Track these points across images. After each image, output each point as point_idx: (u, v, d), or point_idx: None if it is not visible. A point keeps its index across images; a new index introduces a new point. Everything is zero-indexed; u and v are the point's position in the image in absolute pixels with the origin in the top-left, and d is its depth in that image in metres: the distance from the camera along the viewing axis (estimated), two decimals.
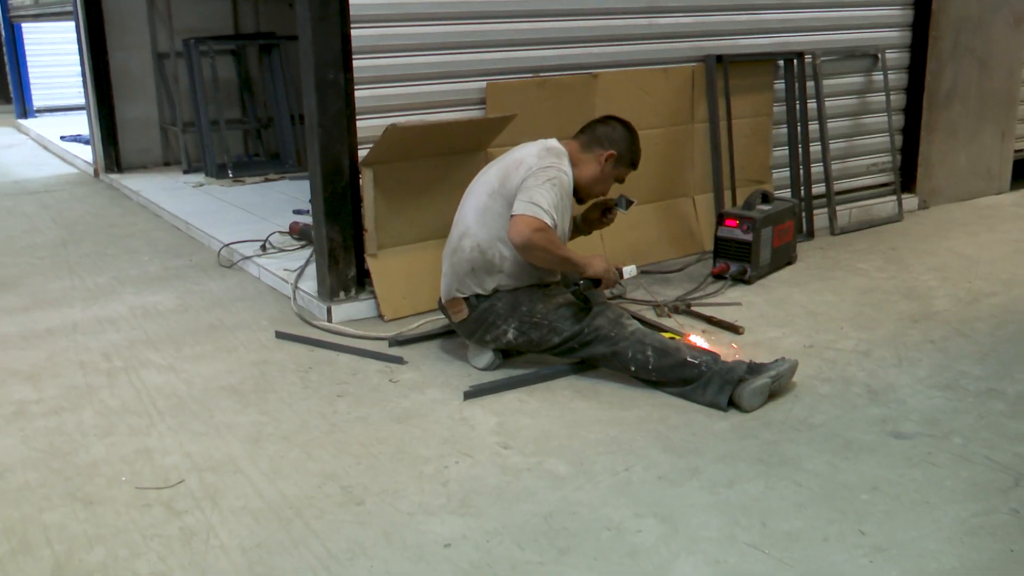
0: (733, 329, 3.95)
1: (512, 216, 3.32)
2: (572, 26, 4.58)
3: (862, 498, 2.62)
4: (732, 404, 3.20)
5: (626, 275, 3.52)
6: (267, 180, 7.16)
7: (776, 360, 3.34)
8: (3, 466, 2.87)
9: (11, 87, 11.90)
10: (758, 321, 4.09)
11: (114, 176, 7.52)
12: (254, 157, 8.07)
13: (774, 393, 3.26)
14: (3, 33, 11.84)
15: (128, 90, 7.72)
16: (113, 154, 7.69)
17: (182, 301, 4.51)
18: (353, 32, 3.96)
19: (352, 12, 3.94)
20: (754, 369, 3.27)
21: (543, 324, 3.45)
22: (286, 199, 6.43)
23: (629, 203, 3.74)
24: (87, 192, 7.28)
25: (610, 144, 3.56)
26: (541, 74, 4.52)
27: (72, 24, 7.80)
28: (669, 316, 4.12)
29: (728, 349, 3.71)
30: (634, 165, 3.68)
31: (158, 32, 7.67)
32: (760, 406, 3.20)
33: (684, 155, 5.05)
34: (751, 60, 5.17)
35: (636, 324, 3.45)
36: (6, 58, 12.02)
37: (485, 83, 4.35)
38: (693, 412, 3.20)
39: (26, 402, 3.37)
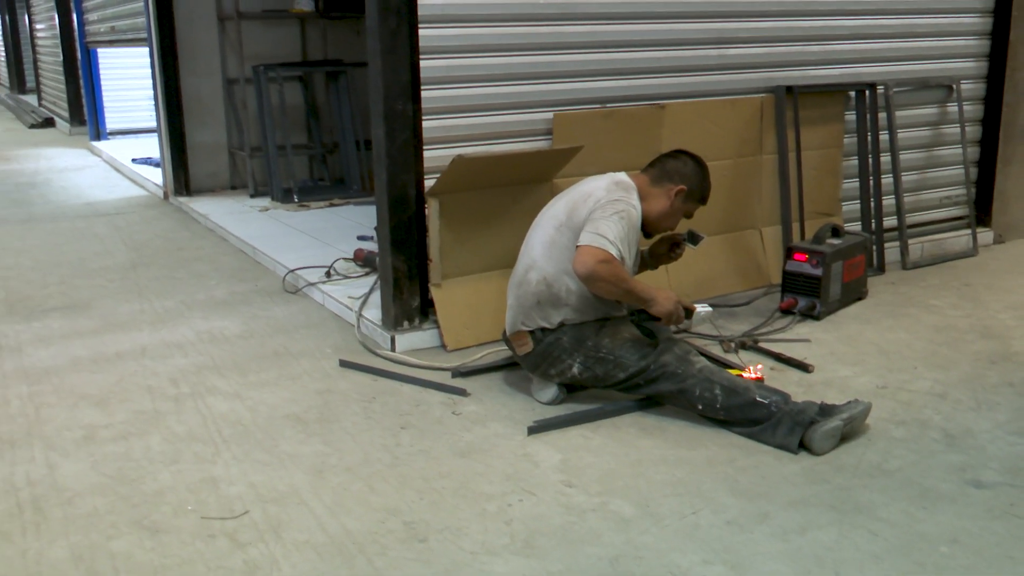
0: (802, 367, 3.86)
1: (578, 247, 3.30)
2: (639, 57, 4.55)
3: (941, 551, 2.52)
4: (803, 446, 3.11)
5: (697, 315, 3.46)
6: (332, 205, 7.22)
7: (848, 402, 3.25)
8: (73, 492, 2.91)
9: (86, 110, 12.22)
10: (828, 359, 4.00)
11: (183, 199, 7.66)
12: (319, 182, 8.15)
13: (846, 436, 3.17)
14: (80, 58, 12.18)
15: (198, 115, 7.87)
16: (182, 177, 7.83)
17: (247, 327, 4.55)
18: (422, 63, 3.98)
19: (421, 44, 3.96)
20: (825, 411, 3.19)
21: (609, 359, 3.40)
22: (350, 224, 6.48)
23: (698, 238, 3.68)
24: (157, 215, 7.41)
25: (680, 179, 3.51)
26: (608, 105, 4.49)
27: (145, 50, 7.99)
28: (736, 352, 4.05)
29: (794, 389, 3.62)
30: (704, 200, 3.63)
31: (228, 59, 7.81)
32: (832, 449, 3.12)
33: (752, 187, 4.98)
34: (822, 91, 5.08)
35: (704, 361, 3.39)
36: (82, 81, 12.35)
37: (552, 114, 4.34)
38: (762, 454, 3.12)
39: (96, 427, 3.41)
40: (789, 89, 4.93)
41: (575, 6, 4.31)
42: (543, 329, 3.47)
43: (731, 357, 3.97)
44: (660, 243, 3.76)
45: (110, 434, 3.35)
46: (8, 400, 3.68)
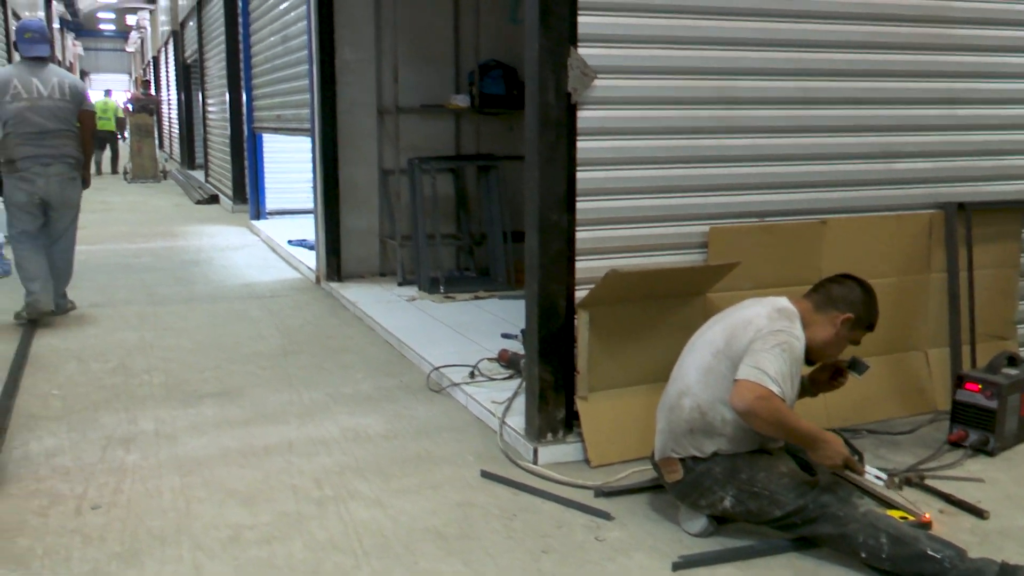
0: (976, 512, 3.56)
1: (736, 380, 3.16)
2: (801, 170, 4.42)
3: None
4: None
5: (867, 480, 3.25)
6: (477, 298, 7.28)
7: None
8: None
9: (248, 189, 12.84)
10: (1005, 504, 3.68)
11: (334, 284, 7.87)
12: (465, 272, 8.25)
13: None
14: (246, 139, 12.86)
15: (353, 202, 8.12)
16: (335, 263, 8.06)
17: (391, 426, 4.56)
18: (579, 174, 3.97)
19: (579, 156, 3.95)
20: (1007, 572, 2.91)
21: (764, 495, 3.22)
22: (495, 320, 6.49)
23: (863, 368, 3.49)
24: (308, 299, 7.63)
25: (847, 306, 3.35)
26: (767, 219, 4.37)
27: (307, 138, 8.36)
28: (900, 488, 3.78)
29: (967, 538, 3.34)
30: (871, 328, 3.44)
31: (385, 150, 8.07)
32: None
33: (917, 306, 4.72)
34: (996, 208, 4.81)
35: (868, 504, 3.18)
36: (246, 162, 13.01)
37: (708, 227, 4.24)
38: None
39: (241, 527, 3.45)
40: (961, 205, 4.69)
41: (736, 119, 4.24)
42: (695, 458, 3.33)
43: (894, 495, 3.70)
44: (821, 370, 3.58)
45: (255, 536, 3.38)
46: (161, 491, 3.78)
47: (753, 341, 3.22)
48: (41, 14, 24.52)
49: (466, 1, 8.05)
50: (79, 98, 6.63)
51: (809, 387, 3.62)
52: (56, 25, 30.74)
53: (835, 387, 3.59)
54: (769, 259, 4.30)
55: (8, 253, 8.72)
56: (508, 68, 7.95)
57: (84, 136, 6.69)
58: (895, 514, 3.39)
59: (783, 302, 3.38)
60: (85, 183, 6.84)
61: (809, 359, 3.40)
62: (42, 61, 6.59)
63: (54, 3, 29.30)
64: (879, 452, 4.18)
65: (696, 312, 4.17)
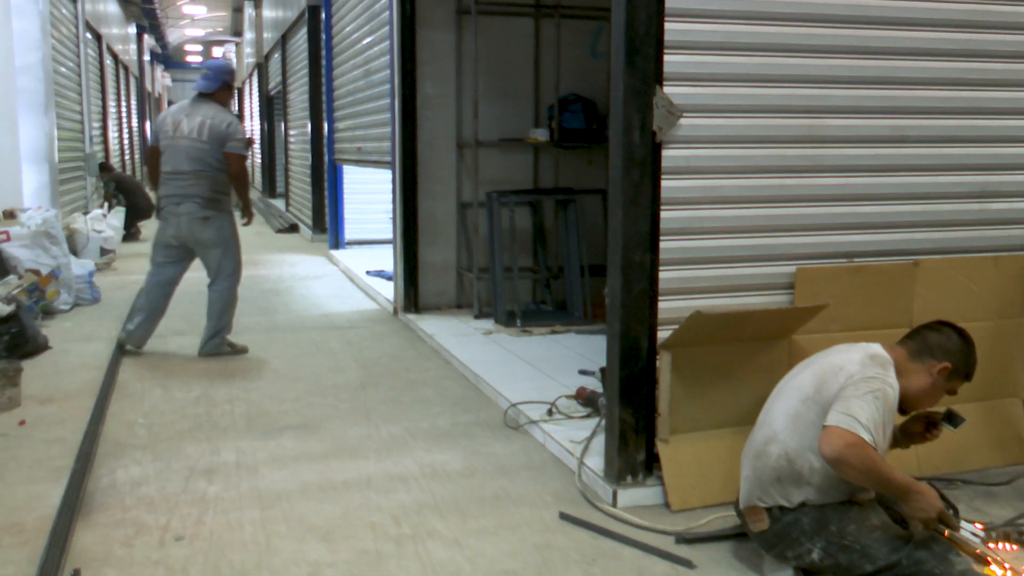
0: None
1: (825, 427, 3.07)
2: (892, 210, 4.30)
3: None
4: None
5: (963, 531, 3.12)
6: (553, 332, 7.24)
7: None
8: None
9: (328, 219, 13.05)
10: None
11: (411, 316, 7.92)
12: (541, 305, 8.23)
13: None
14: (327, 170, 13.09)
15: (431, 235, 8.18)
16: (412, 295, 8.12)
17: (469, 463, 4.54)
18: (663, 214, 3.93)
19: (663, 195, 3.91)
20: None
21: (854, 548, 3.11)
22: (572, 356, 6.45)
23: (959, 420, 3.35)
24: (386, 331, 7.69)
25: (944, 355, 3.23)
26: (855, 260, 4.25)
27: (384, 170, 8.46)
28: (997, 544, 3.61)
29: None
30: (968, 378, 3.32)
31: (464, 183, 8.11)
32: None
33: (1014, 351, 4.54)
34: None
35: (966, 562, 3.04)
36: (326, 193, 13.23)
37: (795, 268, 4.15)
38: None
39: (320, 564, 3.45)
40: None
41: (825, 158, 4.15)
42: (781, 507, 3.23)
43: (992, 551, 3.53)
44: (915, 421, 3.45)
45: (334, 574, 3.38)
46: (242, 524, 3.81)
47: (844, 387, 3.13)
48: (133, 47, 25.43)
49: (547, 36, 8.09)
50: (220, 139, 6.44)
51: (901, 438, 3.49)
52: (147, 58, 31.83)
53: (929, 439, 3.46)
54: (858, 301, 4.19)
55: (98, 281, 9.00)
56: (588, 102, 7.95)
57: (230, 177, 6.56)
58: (993, 573, 3.24)
59: (876, 348, 3.28)
60: (246, 220, 6.87)
61: (902, 408, 3.29)
62: (205, 98, 6.60)
63: (146, 36, 30.35)
64: (975, 504, 4.01)
65: (782, 355, 4.08)
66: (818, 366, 3.31)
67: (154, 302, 6.68)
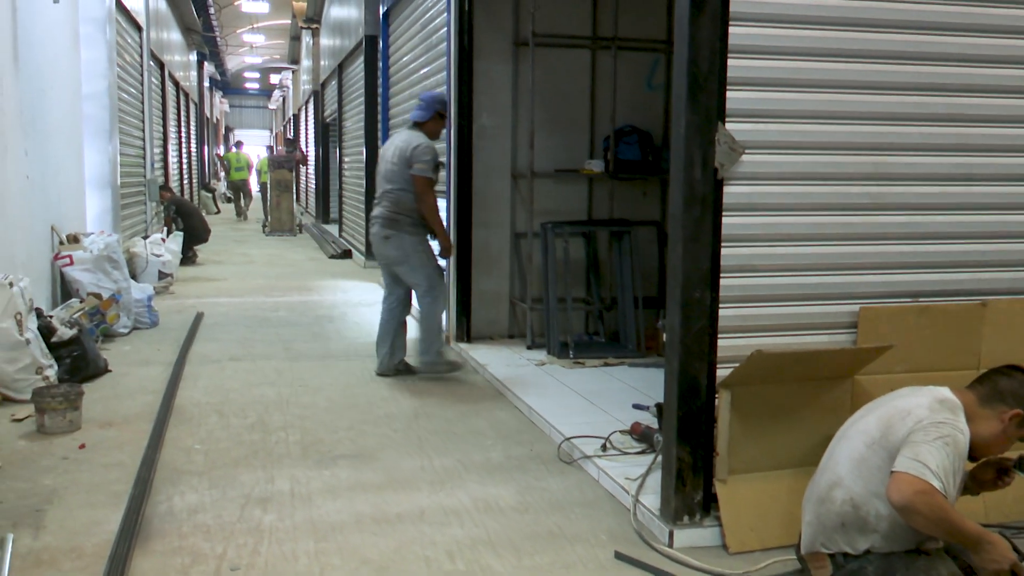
0: None
1: (893, 472, 3.00)
2: (959, 249, 4.22)
3: None
4: None
5: None
6: (606, 364, 7.19)
7: None
8: None
9: None
10: None
11: (463, 345, 7.93)
12: (594, 336, 8.19)
13: None
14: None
15: (485, 264, 8.20)
16: (465, 324, 8.13)
17: (523, 498, 4.51)
18: (723, 251, 3.89)
19: (724, 232, 3.87)
20: None
21: None
22: (626, 389, 6.39)
23: None
24: None
25: (1016, 402, 3.14)
26: (921, 299, 4.17)
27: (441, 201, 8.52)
28: None
29: None
30: None
31: (518, 214, 8.13)
32: None
33: None
34: None
35: None
36: None
37: (858, 307, 4.08)
38: None
39: None
40: None
41: (890, 196, 4.09)
42: (846, 554, 3.16)
43: None
44: (985, 468, 3.36)
45: None
46: (297, 556, 3.81)
47: (912, 432, 3.05)
48: (194, 74, 25.98)
49: (603, 67, 8.10)
50: (407, 161, 6.62)
51: (971, 485, 3.40)
52: (206, 84, 32.51)
53: (1000, 487, 3.37)
54: (924, 342, 4.10)
55: (156, 305, 9.15)
56: (643, 133, 7.93)
57: (415, 198, 6.67)
58: None
59: (945, 392, 3.20)
60: (444, 250, 6.96)
61: (972, 455, 3.20)
62: (417, 127, 6.80)
63: (206, 63, 31.02)
64: None
65: (844, 396, 4.01)
66: (884, 410, 3.24)
67: (385, 329, 6.96)
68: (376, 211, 6.85)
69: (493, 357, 7.41)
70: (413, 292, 6.92)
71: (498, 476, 4.82)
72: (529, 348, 7.75)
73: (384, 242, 6.78)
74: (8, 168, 6.86)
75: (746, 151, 3.85)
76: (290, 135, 31.02)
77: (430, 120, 6.83)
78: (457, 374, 7.10)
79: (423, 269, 6.78)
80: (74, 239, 8.52)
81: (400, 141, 6.77)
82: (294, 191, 21.79)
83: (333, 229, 19.60)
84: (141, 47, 14.11)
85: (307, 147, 26.99)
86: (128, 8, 12.73)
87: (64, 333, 6.55)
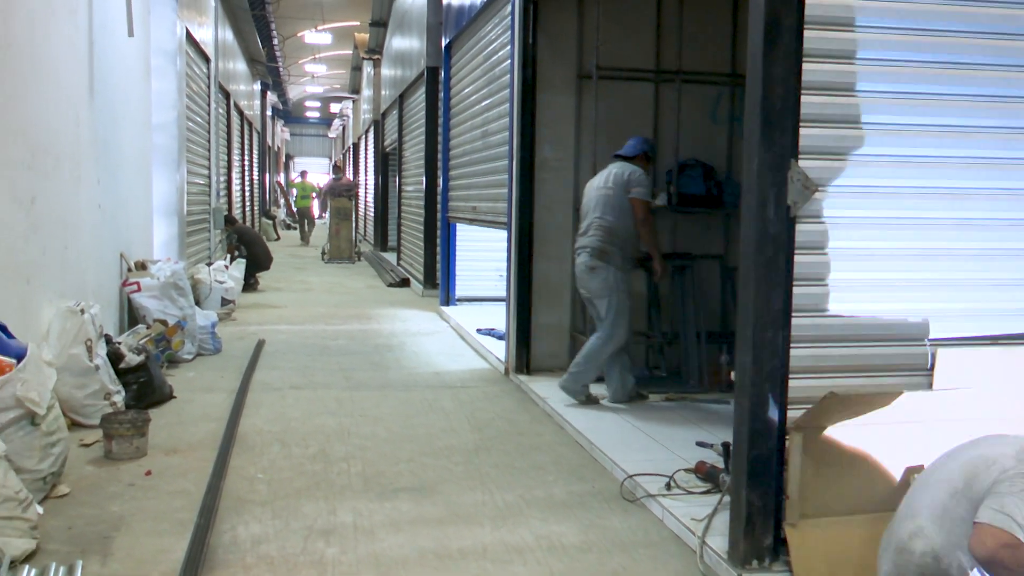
0: None
1: (976, 524, 2.90)
2: None
3: None
4: None
5: None
6: (668, 399, 7.11)
7: None
8: None
9: (439, 275, 13.20)
10: None
11: (523, 377, 7.90)
12: (654, 371, 8.10)
13: None
14: (440, 227, 13.27)
15: (545, 296, 8.18)
16: (524, 355, 8.10)
17: (586, 537, 4.45)
18: (795, 290, 3.82)
19: (796, 271, 3.81)
20: None
21: None
22: (688, 425, 6.31)
23: None
24: (498, 392, 7.67)
25: None
26: (1000, 342, 4.05)
27: (497, 229, 8.51)
28: None
29: None
30: None
31: None
32: None
33: None
34: None
35: None
36: (439, 249, 13.41)
37: (935, 349, 3.97)
38: None
39: None
40: None
41: (967, 240, 3.99)
42: None
43: None
44: None
45: None
46: None
47: (998, 482, 2.95)
48: (257, 103, 26.48)
49: (667, 101, 8.06)
50: (623, 185, 6.73)
51: None
52: (268, 113, 33.12)
53: None
54: (1003, 386, 3.98)
55: (219, 331, 9.27)
56: (707, 167, 7.87)
57: (635, 223, 6.74)
58: None
59: None
60: (659, 274, 7.06)
61: None
62: (621, 159, 6.94)
63: (269, 93, 31.62)
64: None
65: (920, 440, 3.89)
66: (966, 457, 3.14)
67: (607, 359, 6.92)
68: (583, 240, 6.87)
69: (554, 391, 7.34)
70: (600, 325, 6.84)
71: (560, 513, 4.77)
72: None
73: (589, 273, 6.80)
74: (82, 197, 7.03)
75: (819, 189, 3.79)
76: (340, 163, 31.41)
77: (637, 156, 6.95)
78: (516, 406, 7.06)
79: (618, 314, 6.75)
80: (141, 266, 8.69)
81: (615, 168, 6.88)
82: (353, 219, 22.03)
83: (391, 257, 19.75)
84: (209, 78, 14.43)
85: (365, 175, 27.31)
86: (197, 40, 13.04)
87: (132, 359, 6.66)
